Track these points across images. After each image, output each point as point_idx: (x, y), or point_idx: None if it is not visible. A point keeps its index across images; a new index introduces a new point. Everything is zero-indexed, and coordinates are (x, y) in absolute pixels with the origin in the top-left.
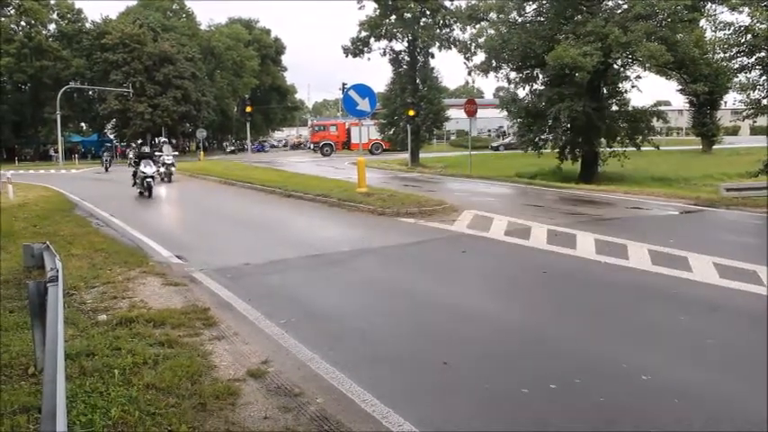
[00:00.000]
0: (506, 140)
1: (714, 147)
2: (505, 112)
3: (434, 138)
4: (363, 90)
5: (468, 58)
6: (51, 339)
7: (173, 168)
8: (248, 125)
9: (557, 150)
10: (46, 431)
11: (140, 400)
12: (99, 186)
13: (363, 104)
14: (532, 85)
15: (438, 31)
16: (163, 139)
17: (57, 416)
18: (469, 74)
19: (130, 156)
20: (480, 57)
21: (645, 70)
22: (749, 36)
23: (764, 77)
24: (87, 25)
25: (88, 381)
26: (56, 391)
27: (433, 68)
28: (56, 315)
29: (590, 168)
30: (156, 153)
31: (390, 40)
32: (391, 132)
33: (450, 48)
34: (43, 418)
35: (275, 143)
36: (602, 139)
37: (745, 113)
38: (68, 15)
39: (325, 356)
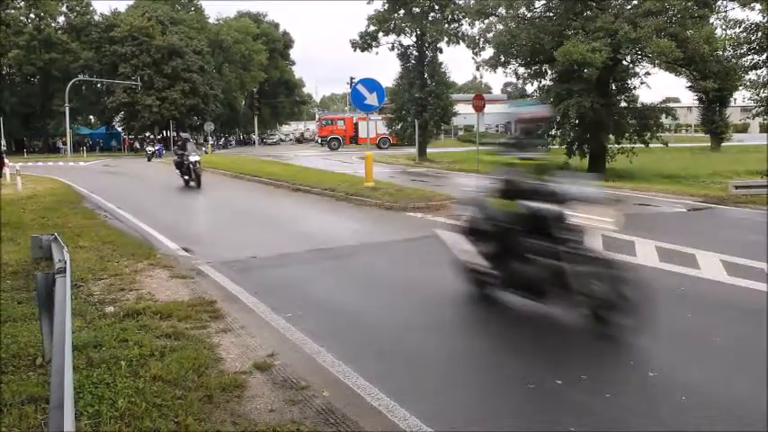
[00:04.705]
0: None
1: (723, 144)
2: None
3: (442, 133)
4: (371, 84)
5: (476, 54)
6: (59, 330)
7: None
8: (256, 119)
9: (564, 146)
10: (54, 421)
11: (147, 392)
12: (108, 179)
13: (371, 99)
14: (541, 81)
15: (446, 25)
16: (183, 134)
17: (64, 406)
18: (477, 69)
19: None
20: (489, 52)
21: (654, 66)
22: (760, 33)
23: None
24: (96, 18)
25: (95, 372)
26: (63, 381)
27: (441, 63)
28: (63, 306)
29: (598, 165)
30: (179, 152)
31: (399, 35)
32: (399, 127)
33: (459, 43)
34: (51, 409)
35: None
36: (611, 136)
37: (755, 111)
38: (77, 8)
39: (332, 350)
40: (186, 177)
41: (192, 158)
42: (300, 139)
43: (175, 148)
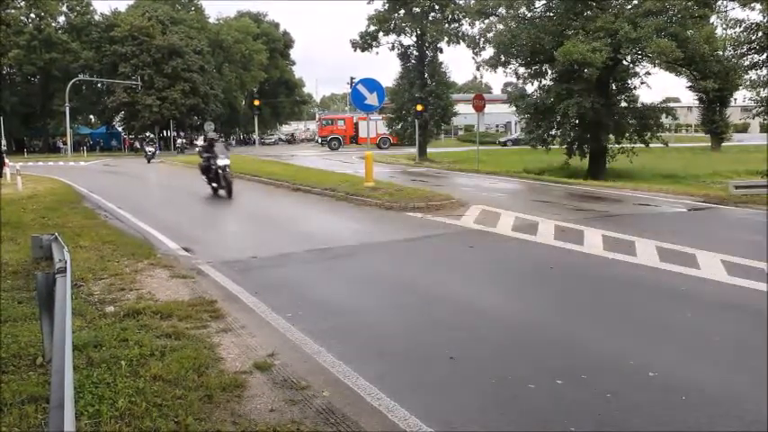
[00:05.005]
0: (514, 136)
1: (723, 144)
2: (514, 108)
3: (442, 133)
4: (371, 84)
5: (476, 53)
6: (59, 330)
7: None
8: (256, 119)
9: (565, 146)
10: (54, 421)
11: (147, 392)
12: (108, 179)
13: (371, 99)
14: (541, 81)
15: (447, 25)
16: (211, 134)
17: (65, 406)
18: (478, 69)
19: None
20: (489, 52)
21: (654, 66)
22: (760, 33)
23: None
24: (96, 17)
25: (96, 372)
26: (63, 381)
27: (441, 63)
28: (64, 306)
29: (598, 164)
30: (205, 155)
31: (399, 35)
32: (399, 127)
33: (459, 43)
34: (51, 408)
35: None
36: (611, 136)
37: (755, 111)
38: (78, 8)
39: (332, 350)
40: (215, 185)
41: (221, 162)
42: (291, 140)
43: (200, 149)
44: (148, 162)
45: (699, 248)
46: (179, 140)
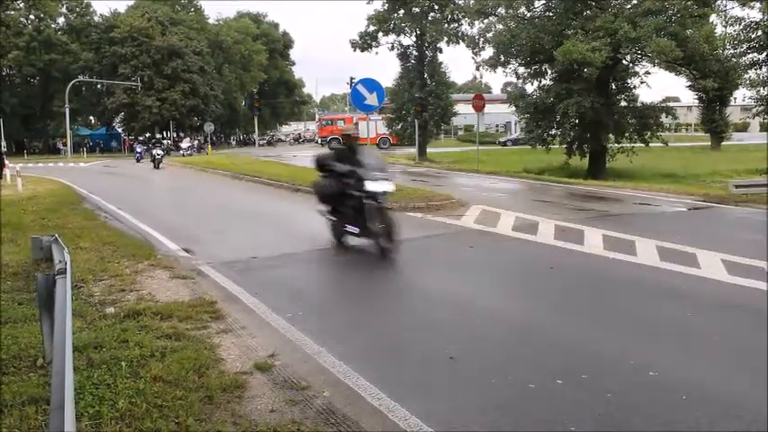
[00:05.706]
0: (514, 136)
1: (723, 143)
2: (514, 108)
3: (442, 133)
4: (371, 84)
5: (476, 53)
6: (59, 331)
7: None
8: (256, 119)
9: (564, 146)
10: (54, 422)
11: (147, 393)
12: (107, 180)
13: (371, 99)
14: (541, 81)
15: (446, 25)
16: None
17: (65, 407)
18: (477, 69)
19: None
20: (488, 52)
21: (654, 66)
22: (760, 32)
23: None
24: (96, 19)
25: (96, 373)
26: (64, 382)
27: (441, 63)
28: (64, 307)
29: (598, 164)
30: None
31: (398, 35)
32: (399, 127)
33: (459, 43)
34: (52, 410)
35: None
36: (611, 135)
37: (755, 110)
38: (77, 9)
39: (332, 350)
40: (351, 229)
41: (375, 187)
42: (271, 142)
43: (320, 158)
44: (156, 167)
45: (699, 248)
46: (164, 141)
